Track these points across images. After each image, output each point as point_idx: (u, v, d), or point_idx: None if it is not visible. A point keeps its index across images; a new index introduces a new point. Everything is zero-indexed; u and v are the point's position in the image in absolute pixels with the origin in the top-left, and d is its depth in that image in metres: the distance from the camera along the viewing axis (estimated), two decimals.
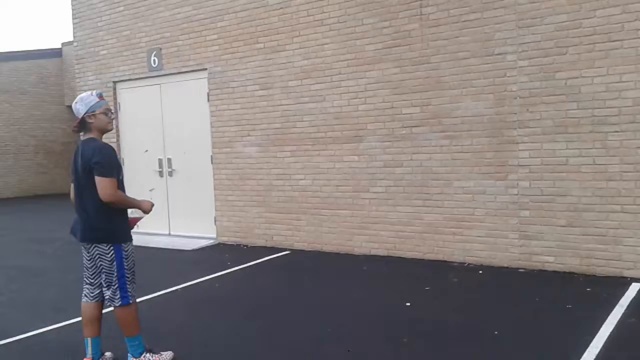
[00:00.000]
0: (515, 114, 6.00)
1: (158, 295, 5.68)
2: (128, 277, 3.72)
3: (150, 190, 9.30)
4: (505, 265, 6.17)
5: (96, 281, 3.79)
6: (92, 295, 3.80)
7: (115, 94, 9.62)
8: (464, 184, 6.39)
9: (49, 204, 15.70)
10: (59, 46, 19.01)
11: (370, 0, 6.83)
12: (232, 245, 8.26)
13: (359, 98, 7.07)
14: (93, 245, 3.66)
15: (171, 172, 9.11)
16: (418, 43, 6.55)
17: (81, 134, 3.75)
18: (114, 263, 3.65)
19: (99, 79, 9.77)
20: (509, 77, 6.01)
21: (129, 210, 3.81)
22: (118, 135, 9.64)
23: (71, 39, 10.38)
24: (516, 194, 6.07)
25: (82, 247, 3.79)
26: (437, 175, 6.57)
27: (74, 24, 10.07)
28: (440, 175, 6.54)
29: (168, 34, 8.77)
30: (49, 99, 18.89)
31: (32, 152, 18.58)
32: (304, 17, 7.39)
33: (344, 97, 7.19)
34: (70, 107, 17.56)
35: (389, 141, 6.88)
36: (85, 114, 3.65)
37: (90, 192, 3.58)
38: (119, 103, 9.63)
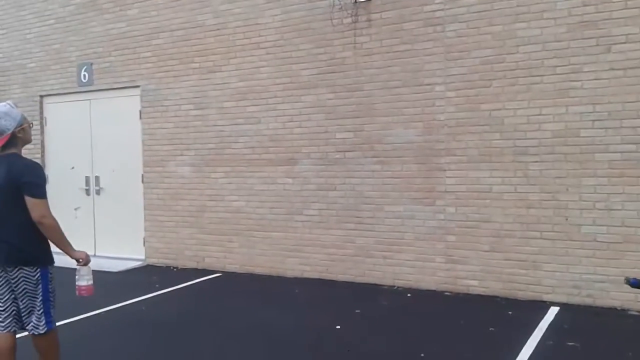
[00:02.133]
0: (443, 142, 6.23)
1: (80, 319, 5.44)
2: (52, 302, 3.56)
3: (75, 209, 8.95)
4: (433, 288, 6.32)
5: (8, 308, 3.53)
6: (3, 325, 3.52)
7: (41, 108, 9.25)
8: (394, 209, 6.53)
9: None
10: None
11: (307, 27, 6.94)
12: (162, 267, 8.05)
13: (294, 121, 7.13)
14: (17, 268, 3.44)
15: (99, 190, 8.81)
16: (352, 70, 6.70)
17: None
18: (40, 286, 3.49)
19: (25, 92, 9.37)
20: (437, 106, 6.24)
21: (77, 277, 3.60)
22: (43, 151, 9.25)
23: None
24: (443, 219, 6.26)
25: None
26: (369, 200, 6.68)
27: (0, 34, 9.64)
28: (372, 200, 6.66)
29: (100, 49, 8.56)
30: None
31: None
32: (240, 39, 7.41)
33: (279, 120, 7.23)
34: None
35: (323, 165, 6.96)
36: (15, 128, 3.50)
37: (15, 211, 3.40)
38: (45, 117, 9.27)
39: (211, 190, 7.76)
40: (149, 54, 8.12)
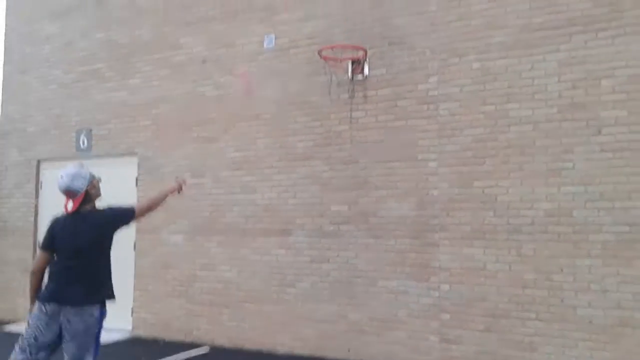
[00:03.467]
0: (437, 217, 6.22)
1: None
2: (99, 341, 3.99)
3: None
4: None
5: (43, 346, 3.81)
6: (33, 353, 3.79)
7: (38, 172, 9.27)
8: (388, 284, 6.44)
9: None
10: None
11: (304, 101, 7.09)
12: (148, 339, 7.82)
13: (289, 192, 7.15)
14: (85, 307, 3.82)
15: None
16: (347, 144, 6.78)
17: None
18: (97, 325, 3.91)
19: (22, 156, 9.43)
20: (430, 182, 6.28)
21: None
22: (36, 215, 9.20)
23: None
24: (437, 297, 6.16)
25: (43, 312, 3.81)
26: (362, 273, 6.60)
27: (2, 98, 9.81)
28: (366, 274, 6.58)
29: (100, 116, 8.68)
30: None
31: None
32: (239, 110, 7.53)
33: (274, 190, 7.25)
34: None
35: (317, 237, 6.92)
36: (87, 187, 3.96)
37: (101, 257, 3.97)
38: (41, 182, 9.28)
39: (203, 259, 7.67)
40: (148, 122, 8.24)
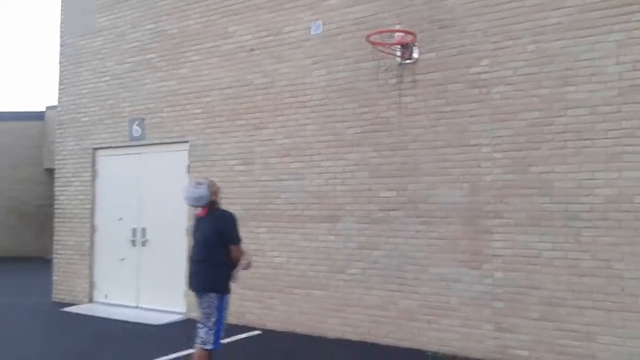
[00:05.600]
0: (490, 204, 6.10)
1: None
2: (223, 325, 4.83)
3: (121, 260, 9.10)
4: (480, 357, 6.04)
5: None
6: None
7: (94, 160, 9.58)
8: (439, 271, 6.37)
9: (15, 268, 15.20)
10: (44, 109, 18.98)
11: (351, 87, 7.04)
12: None
13: (337, 179, 7.14)
14: (206, 294, 4.76)
15: (144, 242, 8.95)
16: (396, 130, 6.71)
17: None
18: (215, 309, 4.74)
19: (78, 145, 9.76)
20: (483, 167, 6.14)
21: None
22: (93, 201, 9.52)
23: (56, 103, 10.41)
24: (490, 284, 6.06)
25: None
26: (413, 260, 6.55)
27: (59, 89, 10.15)
28: (416, 261, 6.53)
29: (152, 105, 8.87)
30: (27, 161, 18.48)
31: (4, 213, 18.03)
32: (287, 98, 7.56)
33: (322, 177, 7.26)
34: (48, 169, 17.35)
35: (366, 223, 6.90)
36: (209, 194, 4.86)
37: (214, 252, 4.77)
38: (97, 170, 9.59)
39: (254, 245, 7.76)
40: (198, 110, 8.37)
